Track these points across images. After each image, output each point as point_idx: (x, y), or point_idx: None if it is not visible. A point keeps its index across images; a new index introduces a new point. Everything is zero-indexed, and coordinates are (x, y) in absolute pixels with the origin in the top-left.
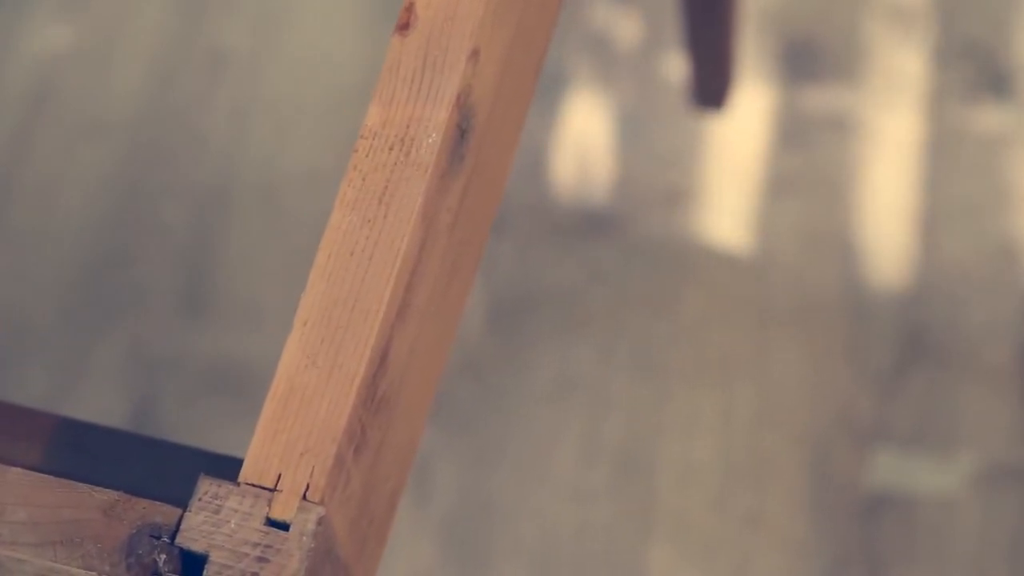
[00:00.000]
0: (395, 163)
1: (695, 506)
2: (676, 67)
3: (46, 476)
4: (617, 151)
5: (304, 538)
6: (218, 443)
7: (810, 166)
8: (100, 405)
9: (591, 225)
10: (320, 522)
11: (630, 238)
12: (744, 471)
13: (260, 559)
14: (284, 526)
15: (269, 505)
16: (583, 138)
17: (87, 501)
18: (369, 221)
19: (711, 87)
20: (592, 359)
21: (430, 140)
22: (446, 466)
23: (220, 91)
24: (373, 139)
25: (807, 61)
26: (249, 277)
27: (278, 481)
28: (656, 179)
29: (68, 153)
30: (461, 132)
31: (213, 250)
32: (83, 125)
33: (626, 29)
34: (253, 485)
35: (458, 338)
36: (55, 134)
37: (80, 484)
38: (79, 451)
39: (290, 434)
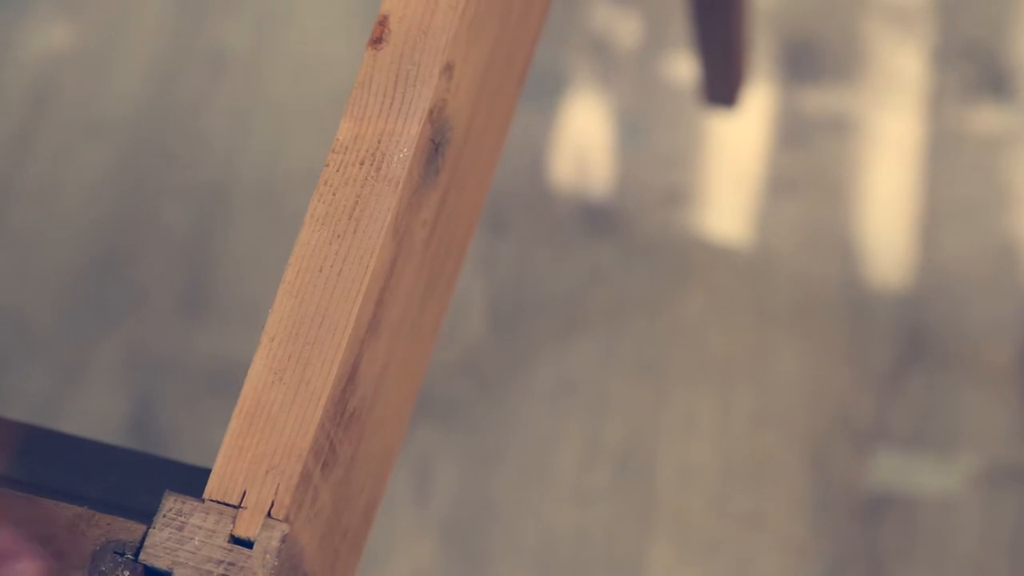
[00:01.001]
0: (366, 178)
1: (695, 506)
2: (676, 67)
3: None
4: (617, 151)
5: (268, 556)
6: (217, 443)
7: (810, 166)
8: (100, 405)
9: (591, 225)
10: (284, 540)
11: (630, 238)
12: (744, 471)
13: None
14: (248, 543)
15: (233, 522)
16: (583, 138)
17: (51, 516)
18: (339, 236)
19: (722, 85)
20: (592, 359)
21: (401, 155)
22: (446, 466)
23: (220, 91)
24: (344, 153)
25: (807, 61)
26: (249, 277)
27: (243, 498)
28: (656, 179)
29: (68, 153)
30: (436, 146)
31: (213, 250)
32: (83, 125)
33: (626, 29)
34: (218, 502)
35: (458, 338)
36: (55, 134)
37: (44, 500)
38: (46, 461)
39: (256, 451)
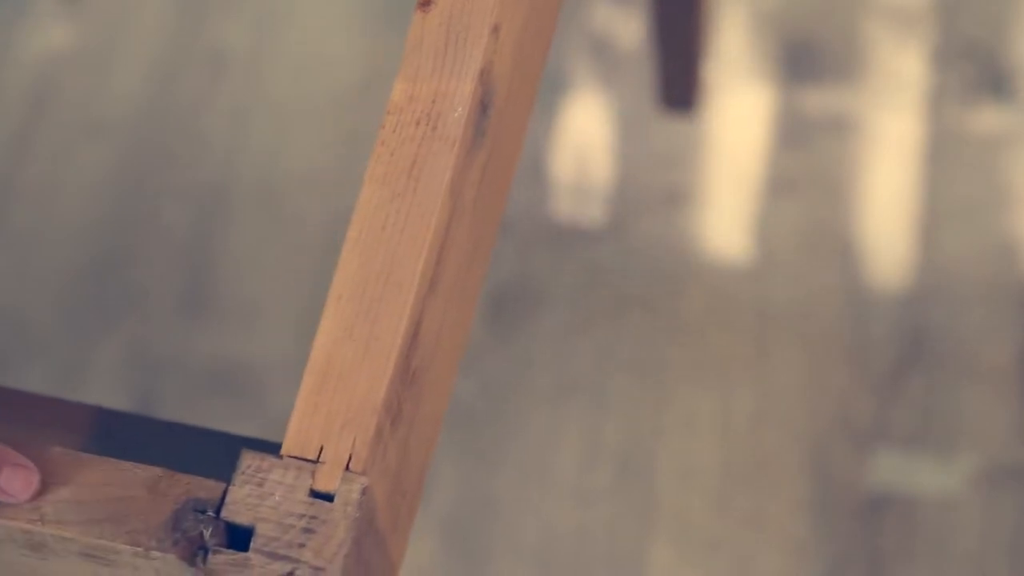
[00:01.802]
0: (422, 137)
1: (695, 506)
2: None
3: (89, 455)
4: (616, 152)
5: (349, 508)
6: None
7: (810, 166)
8: (100, 405)
9: (591, 226)
10: (364, 492)
11: (630, 239)
12: (744, 472)
13: (306, 530)
14: (328, 497)
15: (312, 477)
16: (583, 139)
17: (131, 478)
18: (399, 195)
19: (680, 88)
20: (592, 360)
21: (456, 114)
22: (446, 466)
23: (220, 91)
24: (400, 114)
25: (807, 61)
26: (249, 277)
27: (320, 453)
28: (656, 180)
29: (68, 153)
30: (483, 107)
31: (213, 250)
32: (83, 125)
33: (626, 30)
34: (296, 458)
35: None
36: (55, 134)
37: (123, 462)
38: (108, 439)
39: (330, 407)
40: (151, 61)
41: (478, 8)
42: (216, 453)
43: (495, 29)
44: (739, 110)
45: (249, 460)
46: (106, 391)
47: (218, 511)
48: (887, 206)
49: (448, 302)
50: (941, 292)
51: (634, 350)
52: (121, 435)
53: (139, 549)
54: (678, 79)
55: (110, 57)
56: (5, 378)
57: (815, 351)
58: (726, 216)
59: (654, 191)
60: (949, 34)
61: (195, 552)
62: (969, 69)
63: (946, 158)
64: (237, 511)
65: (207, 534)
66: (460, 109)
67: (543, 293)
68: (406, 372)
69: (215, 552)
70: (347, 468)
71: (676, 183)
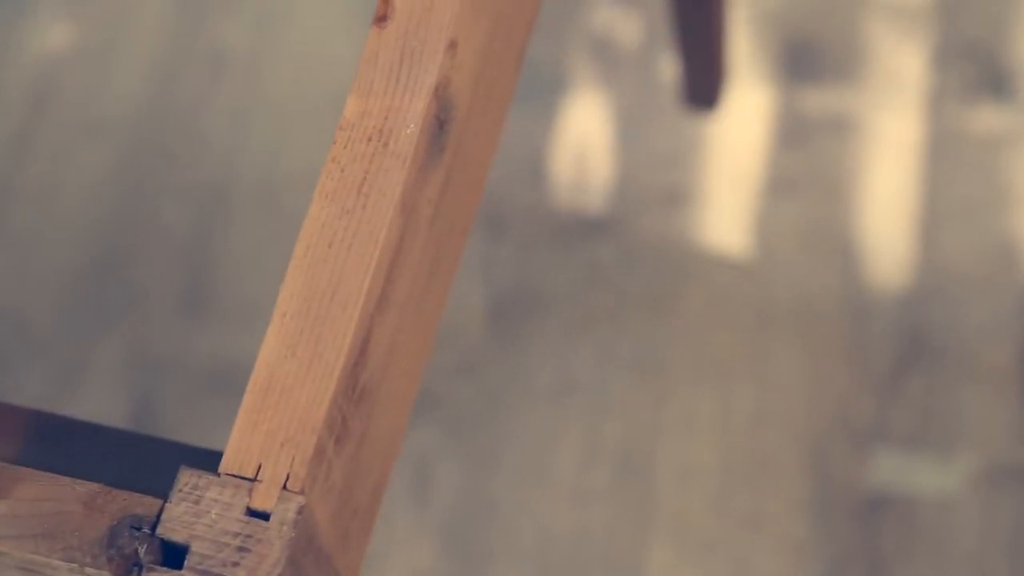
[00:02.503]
0: (373, 154)
1: (695, 506)
2: (676, 67)
3: (26, 469)
4: (617, 152)
5: (284, 527)
6: (218, 443)
7: (810, 166)
8: (100, 405)
9: (591, 226)
10: (300, 512)
11: (630, 239)
12: (744, 471)
13: (241, 549)
14: (265, 516)
15: (249, 495)
16: (583, 139)
17: (68, 494)
18: (348, 212)
19: (702, 86)
20: (592, 360)
21: (408, 131)
22: (446, 466)
23: (220, 91)
24: (351, 130)
25: (807, 61)
26: (249, 277)
27: (258, 471)
28: (656, 180)
29: (68, 153)
30: (440, 123)
31: (213, 250)
32: (83, 125)
33: (625, 30)
34: (233, 475)
35: (458, 338)
36: (55, 134)
37: (61, 477)
38: (58, 446)
39: (270, 424)
40: (151, 61)
41: (435, 24)
42: (163, 462)
43: (452, 45)
44: (739, 110)
45: (187, 478)
46: (106, 391)
47: (154, 528)
48: (887, 206)
49: (402, 318)
50: (941, 292)
51: (634, 350)
52: (63, 442)
53: (74, 565)
54: (700, 77)
55: (110, 57)
56: (5, 378)
57: (815, 351)
58: (726, 216)
59: (654, 191)
60: (949, 34)
61: (130, 569)
62: (969, 69)
63: (946, 158)
64: (173, 528)
65: (142, 551)
66: (412, 126)
67: (543, 293)
68: (352, 390)
69: (149, 570)
70: (285, 487)
71: (676, 183)
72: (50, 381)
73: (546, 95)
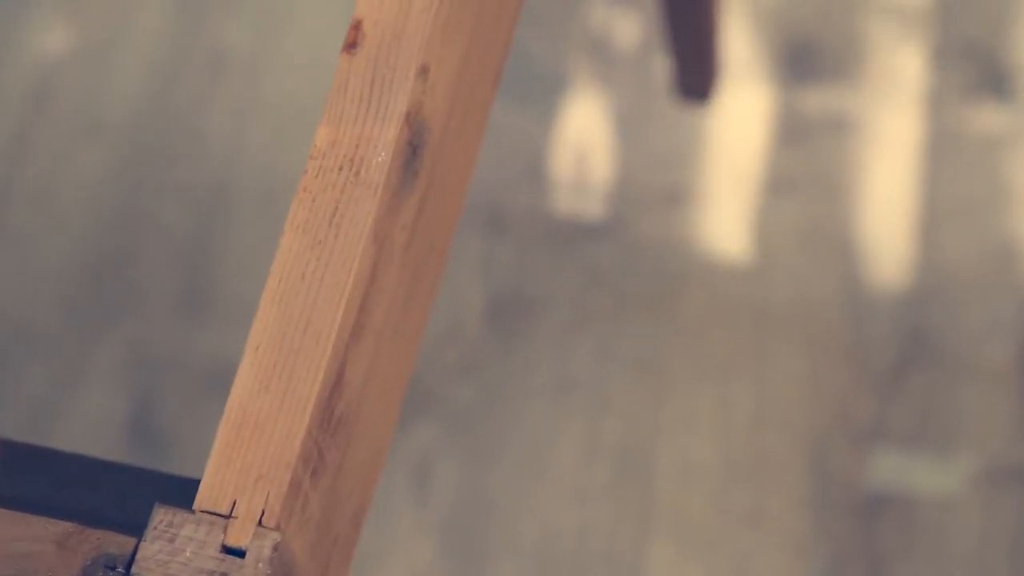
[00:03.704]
0: (344, 183)
1: (695, 505)
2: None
3: None
4: (616, 152)
5: (260, 565)
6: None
7: (810, 166)
8: (100, 405)
9: (590, 225)
10: (276, 548)
11: (629, 239)
12: (744, 470)
13: None
14: (240, 553)
15: (224, 532)
16: (582, 139)
17: (40, 533)
18: (320, 242)
19: (695, 79)
20: (592, 359)
21: (379, 159)
22: (446, 466)
23: (220, 91)
24: (322, 159)
25: (807, 61)
26: (249, 277)
27: (233, 508)
28: (655, 179)
29: (68, 153)
30: (413, 149)
31: (213, 250)
32: (83, 125)
33: (625, 29)
34: (208, 512)
35: (458, 337)
36: (55, 134)
37: (32, 516)
38: (32, 477)
39: (244, 460)
40: (151, 61)
41: (405, 49)
42: (139, 492)
43: (423, 70)
44: (739, 110)
45: (161, 515)
46: (106, 391)
47: (128, 567)
48: (887, 206)
49: (379, 345)
50: (941, 292)
51: (633, 349)
52: (37, 473)
53: None
54: (693, 70)
55: (110, 57)
56: (5, 378)
57: (815, 351)
58: (726, 216)
59: (654, 191)
60: (949, 34)
61: None
62: (969, 69)
63: (946, 158)
64: (147, 568)
65: None
66: (383, 154)
67: (542, 292)
68: (327, 421)
69: None
70: (260, 523)
71: (676, 183)
72: (50, 381)
73: (546, 95)
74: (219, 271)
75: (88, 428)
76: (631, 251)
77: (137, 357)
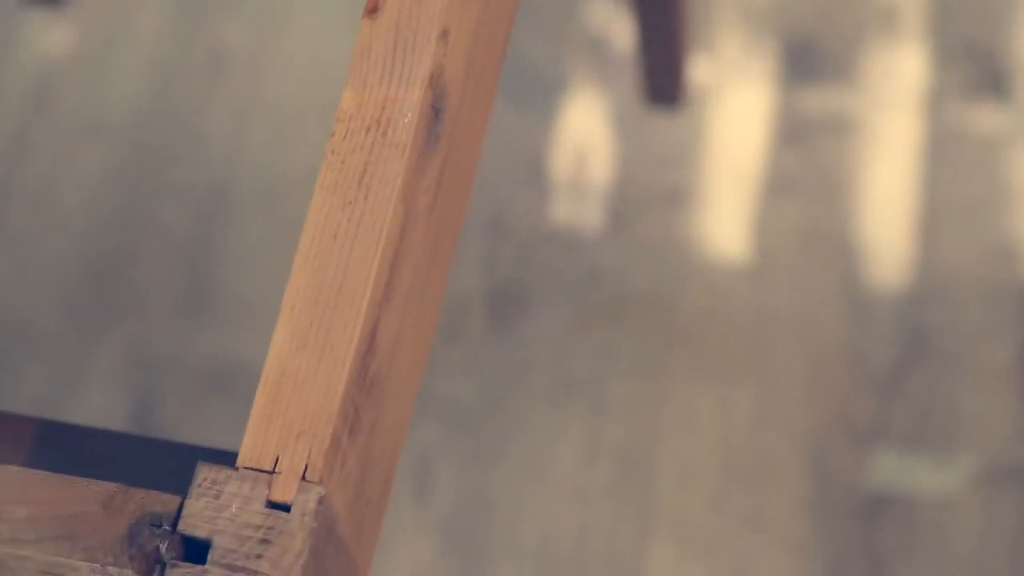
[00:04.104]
0: (372, 144)
1: (695, 506)
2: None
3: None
4: (616, 151)
5: (306, 518)
6: (218, 443)
7: (810, 166)
8: (100, 405)
9: (590, 226)
10: (321, 502)
11: (629, 239)
12: (744, 471)
13: (263, 541)
14: (285, 507)
15: (269, 487)
16: (582, 139)
17: (85, 494)
18: (350, 203)
19: (664, 83)
20: (592, 359)
21: (406, 120)
22: (446, 466)
23: (220, 92)
24: (349, 122)
25: (807, 61)
26: (249, 277)
27: (276, 464)
28: (655, 180)
29: (68, 153)
30: (435, 112)
31: (213, 250)
32: (83, 126)
33: (624, 30)
34: (252, 469)
35: (458, 338)
36: (55, 135)
37: (77, 478)
38: (66, 453)
39: (285, 417)
40: (151, 61)
41: (426, 13)
42: (176, 465)
43: (444, 34)
44: (739, 110)
45: (205, 473)
46: (106, 391)
47: (174, 525)
48: (887, 206)
49: (406, 307)
50: (941, 292)
51: (633, 350)
52: (71, 448)
53: (96, 565)
54: (661, 74)
55: (110, 57)
56: (5, 378)
57: (815, 351)
58: (726, 216)
59: (653, 191)
60: (949, 34)
61: (152, 567)
62: (969, 69)
63: (946, 158)
64: (194, 524)
65: (164, 548)
66: (410, 115)
67: (543, 293)
68: (363, 380)
69: (173, 566)
70: (303, 478)
71: (676, 183)
72: (50, 381)
73: (546, 96)
74: (219, 271)
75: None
76: (631, 251)
77: (137, 357)
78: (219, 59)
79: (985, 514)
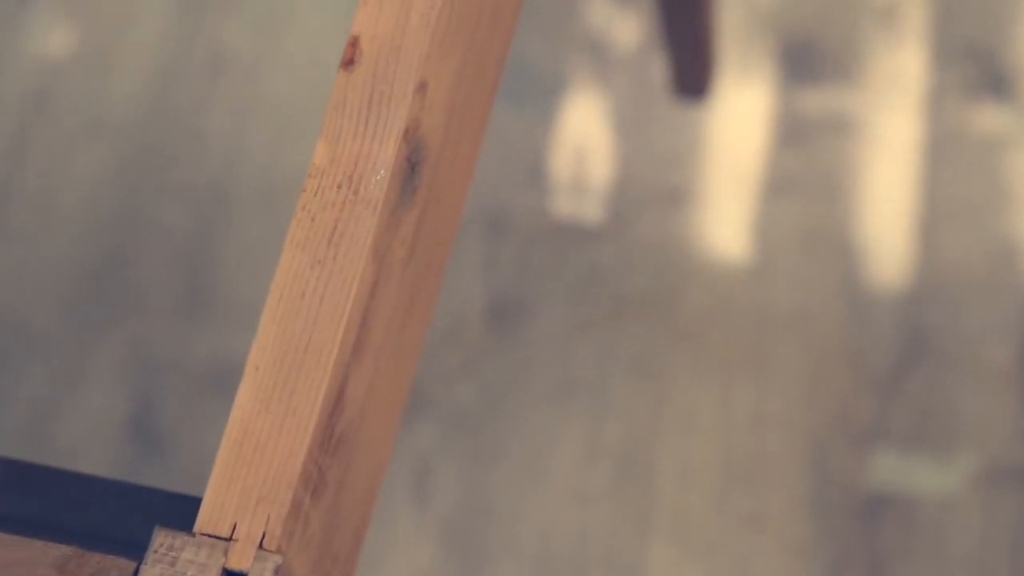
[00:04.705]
0: (344, 202)
1: (695, 506)
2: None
3: None
4: (616, 152)
5: None
6: (217, 444)
7: (810, 166)
8: (100, 405)
9: (590, 226)
10: (277, 571)
11: (629, 239)
12: (744, 471)
13: None
14: None
15: (226, 555)
16: (582, 139)
17: (39, 558)
18: (319, 261)
19: (692, 76)
20: (592, 359)
21: (378, 177)
22: (446, 466)
23: (220, 92)
24: (321, 178)
25: (807, 61)
26: (249, 277)
27: (234, 530)
28: (655, 180)
29: (69, 154)
30: (412, 165)
31: (213, 250)
32: (83, 126)
33: (624, 30)
34: (209, 535)
35: (458, 338)
36: (55, 135)
37: (32, 541)
38: (35, 496)
39: (245, 482)
40: (151, 62)
41: (403, 65)
42: (140, 510)
43: (421, 86)
44: (739, 110)
45: (162, 539)
46: (106, 391)
47: None
48: (887, 206)
49: (378, 361)
50: (941, 292)
51: (634, 350)
52: (37, 492)
53: None
54: (689, 67)
55: (110, 57)
56: (5, 378)
57: (815, 351)
58: (726, 216)
59: (654, 191)
60: (949, 34)
61: None
62: (969, 69)
63: (946, 158)
64: None
65: None
66: (382, 172)
67: (543, 293)
68: (328, 441)
69: None
70: (261, 546)
71: (676, 183)
72: (50, 381)
73: (545, 96)
74: (219, 271)
75: (88, 428)
76: (631, 251)
77: (137, 357)
78: (219, 59)
79: (985, 514)
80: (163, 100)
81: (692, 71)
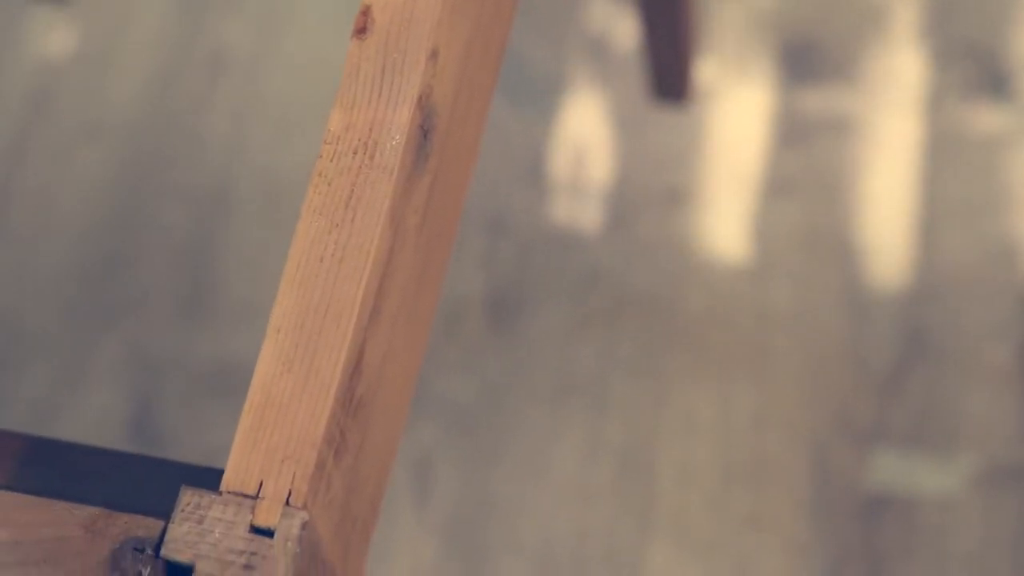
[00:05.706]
0: (360, 167)
1: (695, 506)
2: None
3: (25, 495)
4: (616, 152)
5: (289, 544)
6: (217, 444)
7: (810, 167)
8: (100, 406)
9: (590, 226)
10: (304, 527)
11: (629, 239)
12: (744, 471)
13: (247, 567)
14: (269, 533)
15: (252, 512)
16: (581, 139)
17: (68, 518)
18: (337, 226)
19: (671, 79)
20: (592, 359)
21: (393, 142)
22: (446, 466)
23: (220, 93)
24: (337, 144)
25: (807, 62)
26: (249, 278)
27: (260, 488)
28: (655, 180)
29: (68, 154)
30: (424, 132)
31: (213, 251)
32: (83, 127)
33: (624, 29)
34: (235, 493)
35: (459, 337)
36: (55, 136)
37: (60, 502)
38: (56, 470)
39: (270, 441)
40: (151, 62)
41: (415, 33)
42: (163, 483)
43: (433, 54)
44: (739, 110)
45: (188, 497)
46: (106, 391)
47: (157, 549)
48: (887, 206)
49: (394, 328)
50: (941, 292)
51: (633, 350)
52: (58, 466)
53: None
54: (668, 71)
55: (110, 58)
56: (5, 378)
57: (815, 351)
58: (726, 216)
59: (653, 191)
60: (949, 34)
61: None
62: (969, 69)
63: (946, 158)
64: (176, 549)
65: (146, 573)
66: (398, 137)
67: (542, 293)
68: (349, 403)
69: None
70: (287, 503)
71: (675, 183)
72: (50, 381)
73: (545, 96)
74: (219, 272)
75: (88, 428)
76: (631, 251)
77: (137, 357)
78: (219, 59)
79: (985, 514)
80: (163, 100)
81: (672, 75)
